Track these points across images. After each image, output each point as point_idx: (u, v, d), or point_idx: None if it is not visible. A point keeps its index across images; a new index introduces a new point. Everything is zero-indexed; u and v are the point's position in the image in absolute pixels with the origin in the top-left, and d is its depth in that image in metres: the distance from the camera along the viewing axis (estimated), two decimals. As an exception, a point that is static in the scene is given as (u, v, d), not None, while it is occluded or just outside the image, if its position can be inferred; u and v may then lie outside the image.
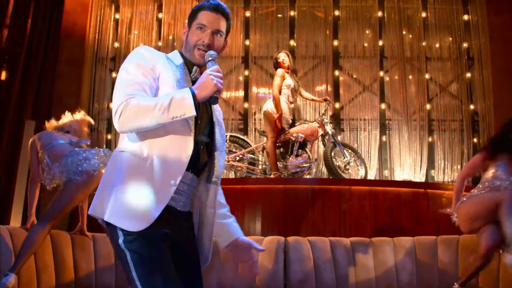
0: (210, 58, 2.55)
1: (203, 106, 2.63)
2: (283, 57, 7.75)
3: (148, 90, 2.46)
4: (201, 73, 2.64)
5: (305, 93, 8.14)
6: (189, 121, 2.48)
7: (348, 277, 4.44)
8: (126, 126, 2.37)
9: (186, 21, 2.71)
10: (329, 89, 9.15)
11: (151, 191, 2.35)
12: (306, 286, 4.13)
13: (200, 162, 2.60)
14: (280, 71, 7.60)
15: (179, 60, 2.68)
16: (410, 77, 9.20)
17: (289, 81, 7.61)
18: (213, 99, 2.44)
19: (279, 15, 9.44)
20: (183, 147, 2.45)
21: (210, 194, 2.62)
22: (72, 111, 8.09)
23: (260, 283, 4.23)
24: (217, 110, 2.79)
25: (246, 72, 9.19)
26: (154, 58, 2.57)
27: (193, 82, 2.60)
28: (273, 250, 4.43)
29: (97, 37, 9.07)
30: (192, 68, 2.64)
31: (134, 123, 2.35)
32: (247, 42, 9.26)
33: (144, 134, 2.45)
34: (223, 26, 2.69)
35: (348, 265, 4.48)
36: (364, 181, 7.25)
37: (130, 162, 2.41)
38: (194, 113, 2.34)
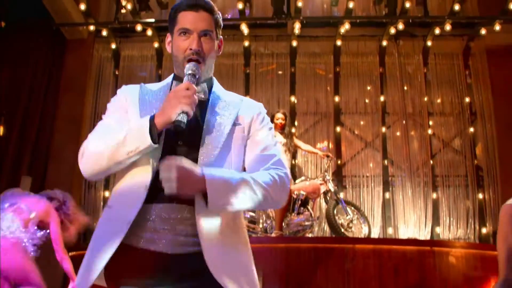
0: (189, 72, 2.15)
1: (194, 124, 2.15)
2: (279, 117, 7.67)
3: (115, 127, 2.16)
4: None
5: (304, 146, 8.03)
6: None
7: None
8: (88, 171, 2.09)
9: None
10: (331, 145, 9.06)
11: (102, 237, 2.04)
12: None
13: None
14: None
15: (162, 83, 2.35)
16: (413, 132, 9.15)
17: (280, 138, 7.50)
18: (177, 123, 1.97)
19: (280, 72, 9.44)
20: (140, 178, 2.07)
21: (218, 222, 2.07)
22: (70, 168, 8.09)
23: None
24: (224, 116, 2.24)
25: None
26: (125, 93, 2.30)
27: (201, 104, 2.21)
28: None
29: (96, 93, 9.06)
30: None
31: (94, 166, 2.07)
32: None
33: (116, 178, 2.16)
34: (209, 23, 2.27)
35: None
36: (368, 240, 7.08)
37: (102, 215, 2.14)
38: (148, 143, 1.99)
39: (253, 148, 2.26)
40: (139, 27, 8.24)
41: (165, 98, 2.04)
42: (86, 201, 8.54)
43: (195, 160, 2.08)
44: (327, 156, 7.92)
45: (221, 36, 2.37)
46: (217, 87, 2.37)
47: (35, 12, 8.37)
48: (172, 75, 2.36)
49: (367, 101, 9.34)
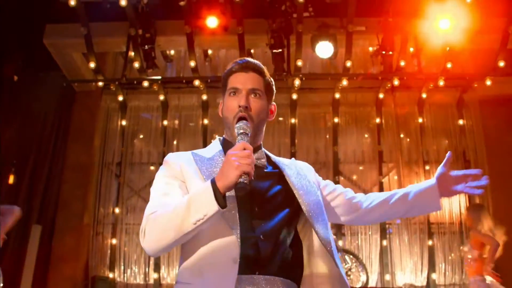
0: (240, 131, 2.11)
1: (268, 182, 2.23)
2: None
3: (175, 197, 2.12)
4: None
5: None
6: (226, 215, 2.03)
7: None
8: (153, 247, 2.05)
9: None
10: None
11: None
12: None
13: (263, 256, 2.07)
14: None
15: (214, 149, 2.36)
16: (408, 181, 9.41)
17: None
18: (240, 185, 1.91)
19: (280, 118, 9.77)
20: (226, 250, 2.00)
21: None
22: (78, 216, 8.39)
23: None
24: (295, 172, 2.38)
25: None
26: (179, 160, 2.27)
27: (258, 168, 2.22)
28: None
29: (103, 143, 9.40)
30: None
31: (160, 242, 2.01)
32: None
33: (184, 250, 2.14)
34: (258, 83, 2.30)
35: None
36: (365, 288, 7.31)
37: None
38: (216, 209, 1.92)
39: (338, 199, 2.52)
40: (145, 83, 8.62)
41: (224, 160, 1.98)
42: (94, 248, 8.80)
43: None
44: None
45: (274, 103, 2.45)
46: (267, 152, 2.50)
47: (45, 67, 8.80)
48: (217, 139, 2.46)
49: (364, 150, 9.68)
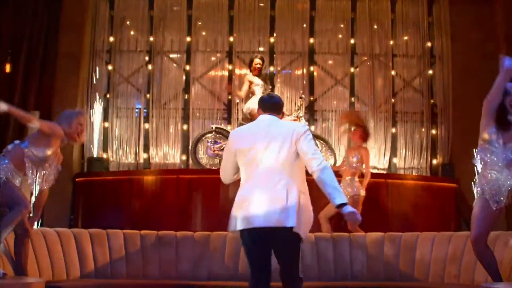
0: None
1: None
2: (257, 62, 8.67)
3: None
4: None
5: None
6: None
7: (312, 267, 5.51)
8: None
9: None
10: (305, 82, 10.15)
11: None
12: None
13: None
14: (248, 76, 8.56)
15: None
16: (378, 72, 10.19)
17: (257, 81, 8.59)
18: None
19: (261, 4, 10.32)
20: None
21: None
22: (72, 102, 9.01)
23: (243, 271, 5.26)
24: None
25: (230, 66, 10.17)
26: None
27: None
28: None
29: (93, 32, 9.88)
30: None
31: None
32: (231, 38, 10.21)
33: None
34: None
35: (312, 257, 5.55)
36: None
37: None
38: None
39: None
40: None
41: None
42: (88, 132, 9.55)
43: None
44: (301, 97, 9.06)
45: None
46: None
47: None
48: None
49: (338, 42, 10.33)
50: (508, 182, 4.27)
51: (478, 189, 4.52)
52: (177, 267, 5.57)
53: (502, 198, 4.28)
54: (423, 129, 9.99)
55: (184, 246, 5.63)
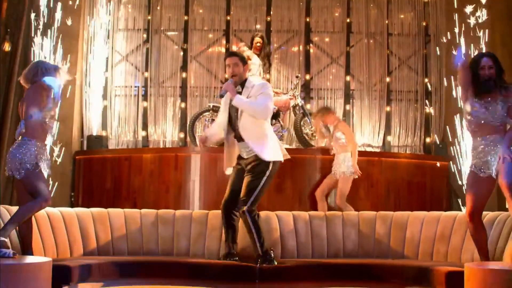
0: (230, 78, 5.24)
1: None
2: (258, 40, 8.84)
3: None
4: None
5: None
6: None
7: (307, 245, 5.72)
8: None
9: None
10: (301, 60, 10.28)
11: None
12: (274, 252, 5.39)
13: None
14: (247, 52, 8.66)
15: None
16: (373, 51, 10.30)
17: (255, 60, 8.73)
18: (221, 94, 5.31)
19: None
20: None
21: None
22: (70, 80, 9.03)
23: (239, 250, 5.48)
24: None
25: (227, 45, 10.28)
26: None
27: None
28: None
29: (90, 10, 9.87)
30: None
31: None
32: (228, 17, 10.32)
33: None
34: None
35: (306, 235, 5.74)
36: (327, 150, 8.30)
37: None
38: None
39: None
40: None
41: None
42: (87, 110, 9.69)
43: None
44: (297, 77, 9.21)
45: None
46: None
47: None
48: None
49: (335, 21, 10.42)
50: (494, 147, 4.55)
51: (470, 163, 4.80)
52: (176, 244, 5.76)
53: (489, 167, 4.56)
54: (417, 108, 10.13)
55: (183, 224, 5.81)
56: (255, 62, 8.74)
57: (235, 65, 5.22)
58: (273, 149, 5.19)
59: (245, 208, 5.06)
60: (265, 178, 5.09)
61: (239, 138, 5.24)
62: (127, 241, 5.71)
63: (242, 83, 5.25)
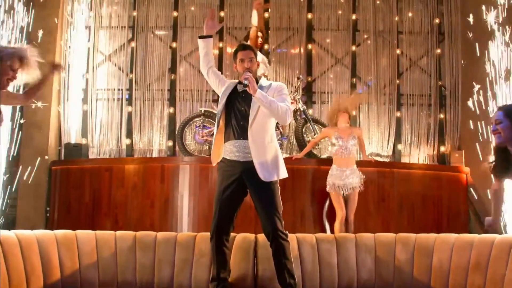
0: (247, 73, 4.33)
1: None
2: (259, 35, 7.94)
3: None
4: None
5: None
6: None
7: (313, 274, 4.81)
8: None
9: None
10: (302, 61, 9.43)
11: None
12: (274, 283, 4.50)
13: None
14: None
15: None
16: (382, 51, 9.51)
17: (260, 58, 7.81)
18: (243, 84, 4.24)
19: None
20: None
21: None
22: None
23: (231, 280, 4.61)
24: None
25: (221, 44, 9.41)
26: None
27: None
28: (244, 248, 4.76)
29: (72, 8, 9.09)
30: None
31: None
32: (222, 14, 9.44)
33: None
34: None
35: (313, 262, 4.85)
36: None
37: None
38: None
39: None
40: None
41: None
42: (66, 116, 8.85)
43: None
44: (298, 78, 8.33)
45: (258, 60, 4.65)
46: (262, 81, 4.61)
47: None
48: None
49: (339, 18, 9.59)
50: None
51: None
52: (158, 273, 4.85)
53: None
54: (431, 113, 9.30)
55: (166, 249, 4.91)
56: (260, 60, 7.85)
57: (250, 60, 4.48)
58: (282, 163, 4.57)
59: (281, 234, 4.39)
60: (278, 192, 4.48)
61: (239, 136, 4.42)
62: (98, 270, 4.82)
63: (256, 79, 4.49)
